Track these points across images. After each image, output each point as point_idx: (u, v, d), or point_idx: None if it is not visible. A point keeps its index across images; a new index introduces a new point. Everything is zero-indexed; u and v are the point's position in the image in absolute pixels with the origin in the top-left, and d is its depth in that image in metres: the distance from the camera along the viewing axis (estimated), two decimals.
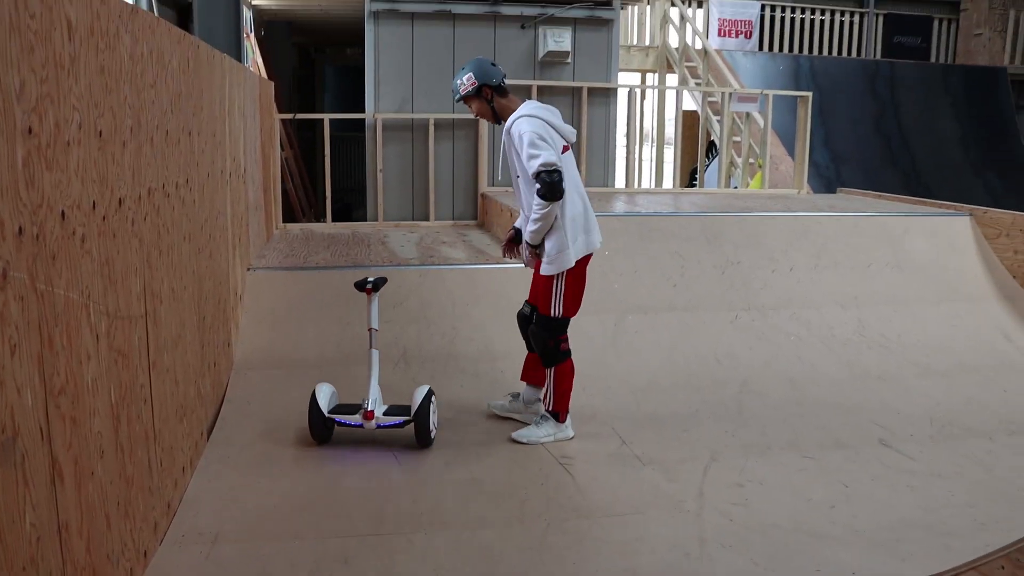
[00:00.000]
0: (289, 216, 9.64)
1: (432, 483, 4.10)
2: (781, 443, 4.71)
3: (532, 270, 4.73)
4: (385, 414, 4.50)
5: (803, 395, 5.49)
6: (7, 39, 2.05)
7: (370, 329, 4.69)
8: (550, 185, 4.29)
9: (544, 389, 4.69)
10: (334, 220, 9.11)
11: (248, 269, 6.32)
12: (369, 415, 4.45)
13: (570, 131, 4.57)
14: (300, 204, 10.36)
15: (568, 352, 4.64)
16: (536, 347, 4.69)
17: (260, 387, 5.20)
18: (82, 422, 2.55)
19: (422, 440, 4.47)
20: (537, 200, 4.34)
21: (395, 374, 5.42)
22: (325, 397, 4.53)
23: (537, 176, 4.30)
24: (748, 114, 10.93)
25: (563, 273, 4.51)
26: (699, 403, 5.29)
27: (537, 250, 4.55)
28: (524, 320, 4.79)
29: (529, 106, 4.52)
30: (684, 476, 4.24)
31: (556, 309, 4.55)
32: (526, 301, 4.75)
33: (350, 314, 6.03)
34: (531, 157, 4.31)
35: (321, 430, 4.51)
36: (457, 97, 4.67)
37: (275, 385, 5.24)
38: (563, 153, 4.47)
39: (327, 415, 4.50)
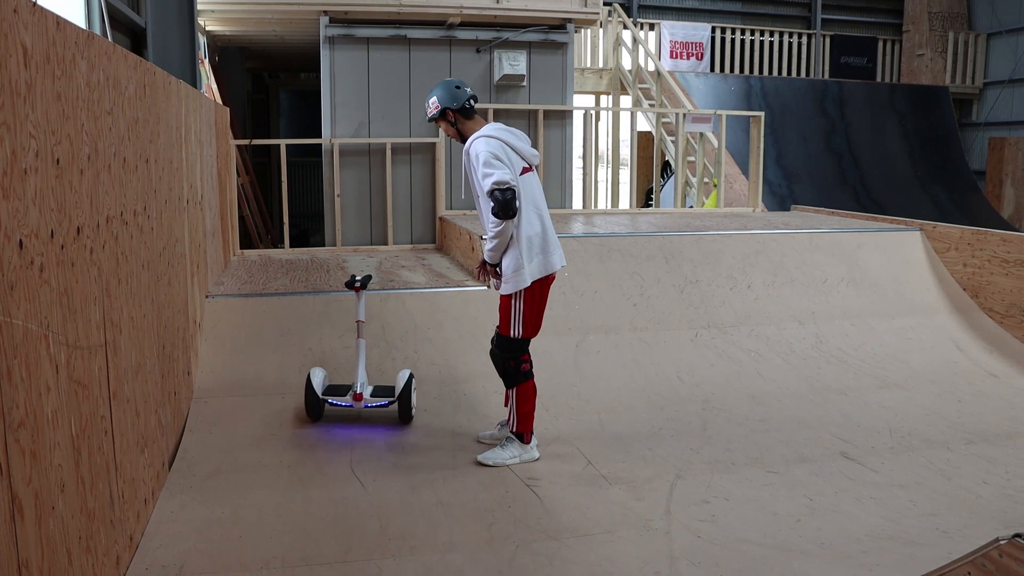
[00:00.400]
0: (246, 242, 9.56)
1: (399, 508, 4.07)
2: (745, 459, 4.74)
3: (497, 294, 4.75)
4: (372, 395, 5.15)
5: (765, 411, 5.54)
6: None
7: (358, 321, 5.24)
8: (503, 203, 4.32)
9: (508, 410, 4.69)
10: (292, 246, 9.05)
11: (207, 296, 6.25)
12: (358, 397, 5.09)
13: (532, 154, 4.62)
14: (257, 230, 10.28)
15: (529, 373, 4.65)
16: (496, 367, 4.70)
17: (221, 415, 5.13)
18: (42, 456, 2.50)
19: (404, 417, 5.16)
20: (491, 218, 4.38)
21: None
22: (319, 379, 5.18)
23: (490, 194, 4.33)
24: (702, 134, 11.07)
25: (521, 292, 4.52)
26: (663, 421, 5.32)
27: (496, 269, 4.57)
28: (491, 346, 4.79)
29: (490, 128, 4.56)
30: (651, 494, 4.25)
31: (516, 329, 4.56)
32: (496, 327, 4.75)
33: (310, 340, 6.00)
34: (484, 176, 4.36)
35: (316, 409, 5.16)
36: (427, 118, 4.78)
37: (236, 412, 5.18)
38: (523, 174, 4.50)
39: (320, 396, 5.13)
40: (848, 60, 17.49)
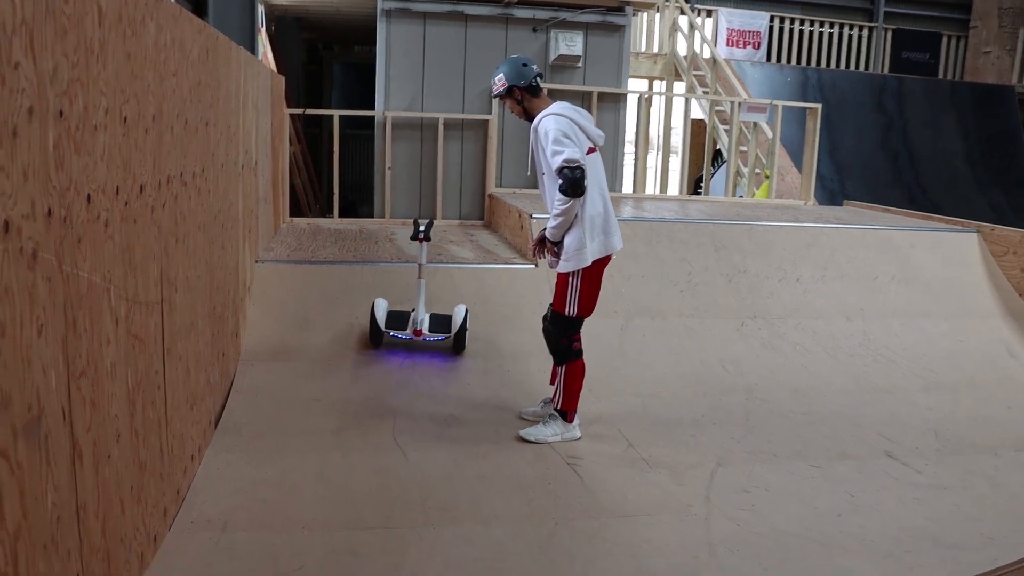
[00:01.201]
0: (296, 210, 9.65)
1: (441, 479, 4.10)
2: (787, 451, 4.71)
3: (548, 272, 4.76)
4: (430, 330, 5.67)
5: (809, 405, 5.49)
6: (43, 21, 2.05)
7: (419, 264, 5.75)
8: (572, 181, 4.31)
9: (555, 387, 4.70)
10: (340, 216, 9.12)
11: (257, 261, 6.32)
12: (418, 333, 5.63)
13: (598, 134, 4.61)
14: (307, 199, 10.36)
15: (580, 352, 4.66)
16: (549, 344, 4.71)
17: (267, 378, 5.20)
18: (101, 405, 2.55)
19: (458, 349, 5.75)
20: (558, 196, 4.37)
21: (401, 372, 5.44)
22: (381, 311, 5.69)
23: (559, 172, 4.32)
24: (756, 124, 10.95)
25: (579, 272, 4.52)
26: (706, 409, 5.29)
27: (556, 247, 4.57)
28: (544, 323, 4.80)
29: (558, 106, 4.55)
30: (691, 480, 4.24)
31: (571, 308, 4.57)
32: (550, 305, 4.75)
33: (356, 308, 6.05)
34: (554, 153, 4.34)
35: (377, 338, 5.71)
36: (492, 95, 4.78)
37: (281, 377, 5.24)
38: (589, 154, 4.49)
39: (383, 329, 5.65)
40: (909, 55, 17.14)
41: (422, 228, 5.76)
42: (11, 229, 1.90)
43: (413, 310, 5.73)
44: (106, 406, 2.60)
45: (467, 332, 5.74)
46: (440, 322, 5.74)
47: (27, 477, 2.01)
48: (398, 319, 5.73)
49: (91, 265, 2.44)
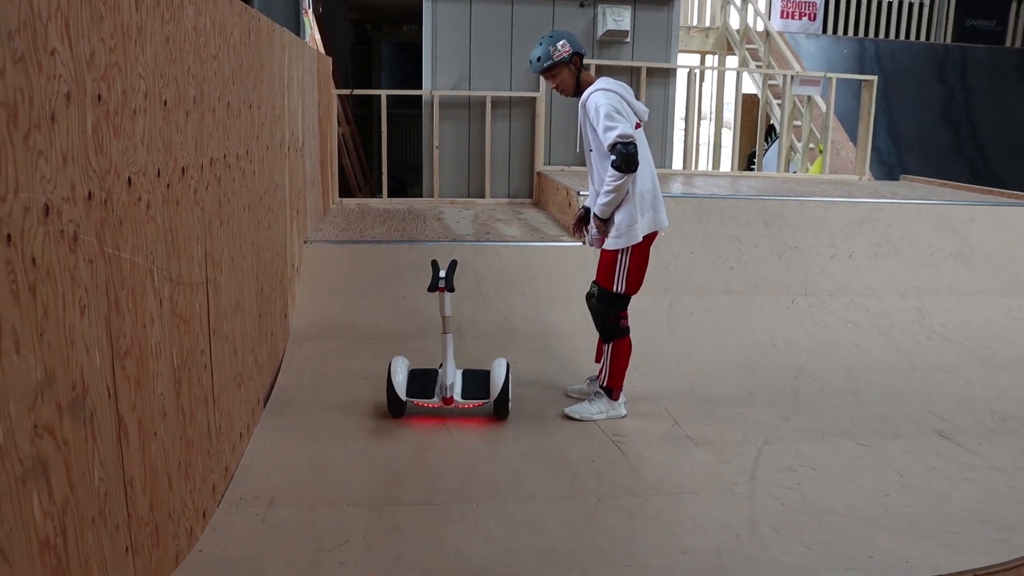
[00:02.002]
0: (345, 191, 9.73)
1: (484, 457, 4.13)
2: (836, 430, 4.65)
3: (593, 249, 4.74)
4: (463, 394, 4.58)
5: (860, 383, 5.41)
6: (79, 7, 2.09)
7: (443, 317, 4.60)
8: (626, 157, 4.28)
9: (601, 365, 4.69)
10: (389, 196, 9.17)
11: (305, 242, 6.39)
12: (448, 401, 4.55)
13: (643, 109, 4.56)
14: (356, 179, 10.44)
15: (627, 329, 4.64)
16: (596, 322, 4.69)
17: (315, 358, 5.27)
18: (146, 384, 2.61)
19: (501, 414, 4.62)
20: (611, 172, 4.33)
21: None
22: (400, 375, 4.56)
23: (613, 148, 4.28)
24: (810, 98, 10.74)
25: (628, 249, 4.50)
26: (754, 386, 5.24)
27: (605, 225, 4.54)
28: (590, 300, 4.77)
29: (605, 81, 4.51)
30: (737, 458, 4.21)
31: (619, 285, 4.55)
32: (593, 282, 4.72)
33: (404, 288, 6.09)
34: (607, 129, 4.30)
35: (398, 408, 4.58)
36: (547, 63, 4.53)
37: (330, 357, 5.31)
38: (635, 129, 4.45)
39: (404, 399, 4.55)
40: (975, 23, 16.61)
41: (442, 275, 4.60)
42: (51, 212, 1.95)
43: (441, 366, 4.64)
44: (151, 385, 2.66)
45: (510, 393, 4.60)
46: (476, 383, 4.67)
47: (73, 453, 2.07)
48: (422, 382, 4.64)
49: (133, 247, 2.49)
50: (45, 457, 1.93)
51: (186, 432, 3.06)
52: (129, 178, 2.44)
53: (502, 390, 4.55)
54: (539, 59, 4.55)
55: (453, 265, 4.70)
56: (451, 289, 4.55)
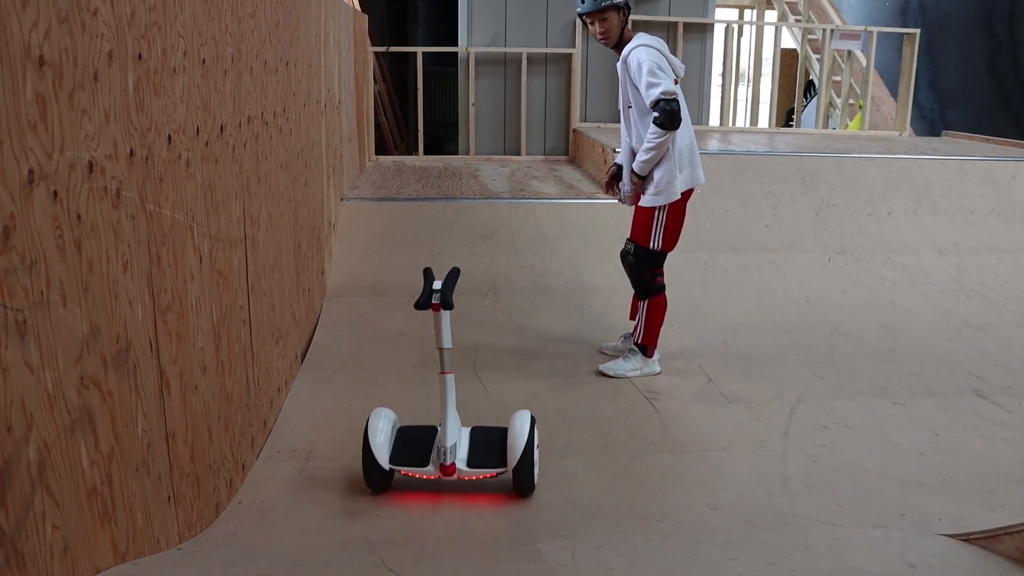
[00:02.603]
0: (381, 148, 9.75)
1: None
2: (871, 388, 4.64)
3: (627, 208, 4.73)
4: (469, 463, 3.33)
5: (896, 341, 5.38)
6: None
7: (440, 349, 3.35)
8: (669, 113, 4.25)
9: (636, 322, 4.71)
10: (425, 153, 9.18)
11: (342, 199, 6.44)
12: (449, 469, 3.28)
13: (680, 66, 4.53)
14: (392, 137, 10.45)
15: (663, 286, 4.65)
16: (631, 279, 4.70)
17: (352, 314, 5.33)
18: (187, 338, 2.67)
19: (523, 489, 3.31)
20: (653, 129, 4.31)
21: (483, 306, 5.50)
22: (381, 436, 3.34)
23: (656, 104, 4.26)
24: (850, 52, 10.55)
25: (666, 206, 4.49)
26: (788, 344, 5.24)
27: (643, 182, 4.52)
28: (626, 257, 4.76)
29: (644, 37, 4.46)
30: (770, 416, 4.22)
31: (656, 242, 4.55)
32: (628, 239, 4.72)
33: (440, 244, 6.13)
34: (650, 85, 4.27)
35: (378, 481, 3.33)
36: (604, 3, 4.41)
37: (366, 313, 5.37)
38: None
39: (387, 467, 3.32)
40: None
41: (437, 286, 3.31)
42: (95, 169, 1.99)
43: (440, 426, 3.36)
44: (192, 339, 2.72)
45: (536, 458, 3.35)
46: (488, 445, 3.39)
47: (117, 404, 2.13)
48: (414, 445, 3.40)
49: (173, 203, 2.53)
50: (91, 408, 1.99)
51: (225, 386, 3.12)
52: (169, 136, 2.48)
53: (524, 455, 3.26)
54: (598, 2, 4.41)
55: (454, 275, 3.43)
56: (448, 307, 3.27)
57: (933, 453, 3.88)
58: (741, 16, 13.73)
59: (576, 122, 9.16)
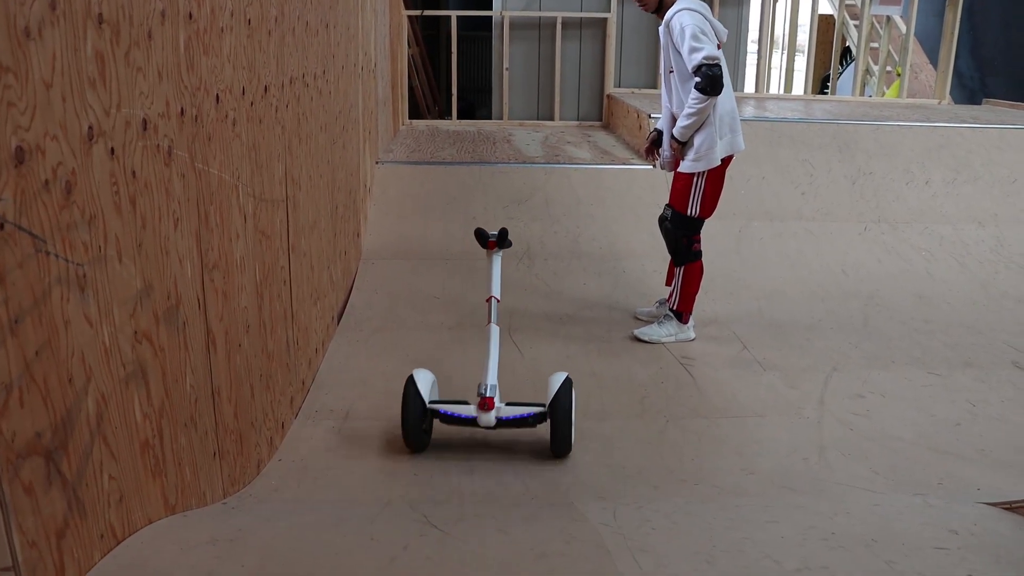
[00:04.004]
0: (415, 112, 9.73)
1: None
2: (906, 358, 4.62)
3: (663, 173, 4.71)
4: (508, 404, 3.40)
5: (932, 312, 5.34)
6: None
7: (490, 298, 3.68)
8: (711, 79, 4.22)
9: (671, 288, 4.71)
10: (459, 118, 9.16)
11: (376, 162, 6.45)
12: (488, 403, 3.32)
13: (723, 30, 4.48)
14: (425, 101, 10.43)
15: (699, 253, 4.65)
16: (668, 244, 4.70)
17: (387, 277, 5.36)
18: (232, 296, 2.70)
19: (559, 446, 3.32)
20: (695, 94, 4.28)
21: (518, 271, 5.50)
22: (424, 386, 3.38)
23: (698, 69, 4.23)
24: (888, 18, 10.37)
25: (704, 172, 4.48)
26: (823, 313, 5.21)
27: (683, 148, 4.50)
28: (663, 223, 4.75)
29: (687, 0, 4.41)
30: (805, 384, 4.22)
31: (693, 208, 4.54)
32: (667, 204, 4.71)
33: (474, 208, 6.14)
34: (693, 50, 4.23)
35: (416, 433, 3.34)
36: None
37: (401, 276, 5.40)
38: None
39: (428, 406, 3.36)
40: None
41: (492, 233, 3.75)
42: (148, 127, 2.02)
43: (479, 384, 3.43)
44: (236, 298, 2.75)
45: (574, 414, 3.36)
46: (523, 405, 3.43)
47: (168, 360, 2.17)
48: (451, 401, 3.47)
49: (220, 163, 2.55)
50: (144, 362, 2.03)
51: (267, 345, 3.16)
52: (217, 95, 2.50)
53: (560, 395, 3.30)
54: None
55: (505, 231, 3.79)
56: (504, 245, 3.71)
57: (970, 424, 3.87)
58: None
59: (610, 87, 9.09)
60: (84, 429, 1.73)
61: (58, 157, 1.60)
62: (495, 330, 3.59)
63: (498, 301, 3.64)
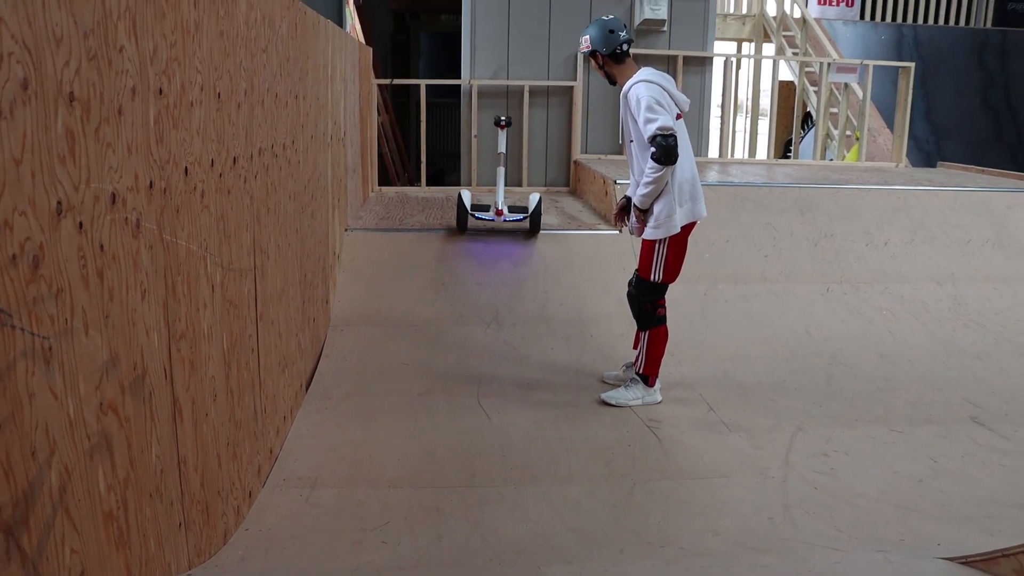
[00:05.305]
0: (384, 179, 9.84)
1: (523, 440, 4.22)
2: (869, 416, 4.69)
3: (631, 238, 4.80)
4: (509, 211, 6.61)
5: (894, 370, 5.43)
6: (144, 5, 2.20)
7: (499, 152, 6.88)
8: (665, 149, 4.33)
9: (637, 351, 4.77)
10: (428, 184, 9.27)
11: (346, 229, 6.51)
12: (499, 213, 6.57)
13: (684, 100, 4.61)
14: (395, 168, 10.55)
15: (664, 318, 4.72)
16: (632, 309, 4.77)
17: (356, 343, 5.38)
18: (199, 366, 2.72)
19: (534, 230, 6.63)
20: (651, 164, 4.39)
21: (486, 336, 5.56)
22: (467, 198, 6.64)
23: (652, 140, 4.34)
24: (846, 85, 10.68)
25: (666, 239, 4.56)
26: (787, 373, 5.29)
27: (645, 215, 4.60)
28: (629, 288, 4.84)
29: (646, 72, 4.56)
30: (770, 444, 4.27)
31: (656, 274, 4.62)
32: (635, 271, 4.80)
33: (443, 275, 6.19)
34: (647, 121, 4.35)
35: (464, 221, 6.60)
36: (582, 52, 4.78)
37: (370, 342, 5.42)
38: (676, 120, 4.50)
39: (469, 212, 6.55)
40: (1016, 6, 16.31)
41: (503, 117, 6.87)
42: (117, 200, 2.06)
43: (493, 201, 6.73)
44: (203, 367, 2.77)
45: (541, 214, 6.60)
46: (517, 207, 6.80)
47: (133, 430, 2.18)
48: (481, 205, 6.81)
49: (188, 234, 2.60)
50: (109, 433, 2.04)
51: (234, 413, 3.17)
52: (186, 168, 2.55)
53: (535, 209, 6.54)
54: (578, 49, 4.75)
55: (510, 118, 7.13)
56: (509, 124, 6.90)
57: (932, 479, 3.93)
58: (739, 49, 13.89)
59: (577, 154, 9.26)
60: (46, 502, 1.74)
61: (26, 232, 1.64)
62: (501, 171, 6.92)
63: (503, 154, 6.94)
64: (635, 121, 4.46)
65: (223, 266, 2.99)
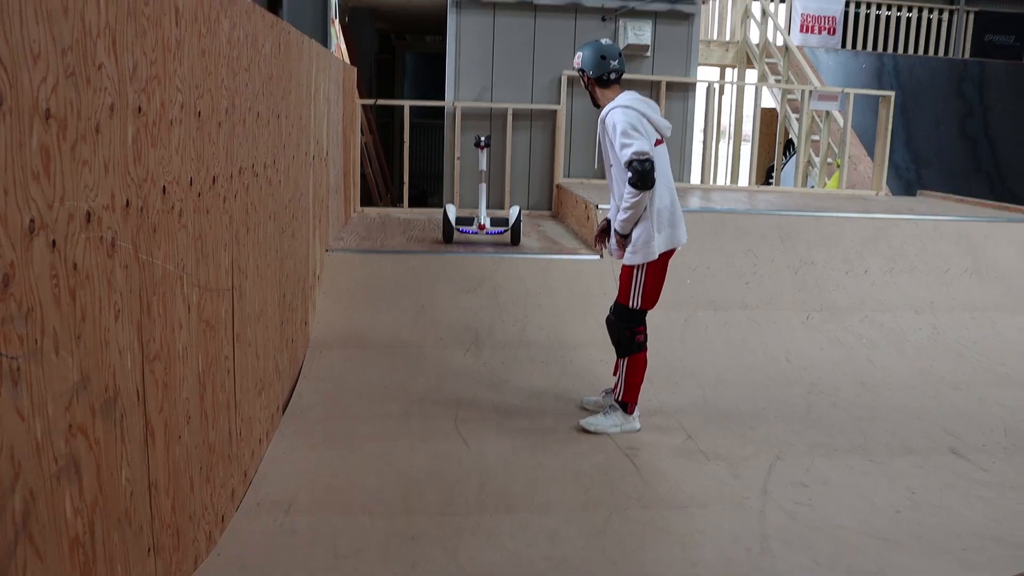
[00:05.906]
0: (367, 200, 9.81)
1: (500, 467, 4.18)
2: (848, 445, 4.68)
3: (612, 263, 4.79)
4: (492, 225, 7.28)
5: (873, 399, 5.43)
6: (125, 23, 2.17)
7: (481, 171, 7.41)
8: (641, 174, 4.33)
9: (616, 378, 4.74)
10: (410, 206, 9.25)
11: (327, 250, 6.48)
12: (482, 227, 7.22)
13: (665, 125, 4.61)
14: (377, 188, 10.53)
15: (643, 345, 4.69)
16: (611, 336, 4.75)
17: (335, 366, 5.34)
18: (173, 387, 2.68)
19: (515, 241, 7.16)
20: (628, 189, 4.39)
21: (465, 360, 5.52)
22: (452, 213, 7.15)
23: (629, 164, 4.34)
24: (828, 113, 10.76)
25: (644, 265, 4.55)
26: (767, 401, 5.28)
27: (625, 240, 4.60)
28: (608, 315, 4.82)
29: (626, 97, 4.56)
30: (748, 473, 4.25)
31: (635, 300, 4.60)
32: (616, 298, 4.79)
33: (423, 297, 6.16)
34: (623, 146, 4.35)
35: (449, 235, 7.12)
36: (574, 68, 4.80)
37: (349, 364, 5.38)
38: (656, 146, 4.50)
39: (454, 226, 7.11)
40: (993, 38, 16.56)
41: (483, 137, 7.38)
42: (92, 219, 2.03)
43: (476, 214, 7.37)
44: (177, 389, 2.73)
45: (521, 226, 7.21)
46: (499, 220, 7.39)
47: (104, 453, 2.14)
48: (465, 219, 7.33)
49: (165, 253, 2.56)
50: (78, 456, 2.00)
51: (208, 436, 3.13)
52: (164, 187, 2.52)
53: (515, 222, 7.10)
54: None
55: (489, 137, 7.59)
56: (488, 146, 7.41)
57: (910, 511, 3.92)
58: (722, 75, 13.99)
59: (560, 178, 9.27)
60: (8, 528, 1.70)
61: None
62: (483, 187, 7.45)
63: (484, 172, 7.44)
64: (613, 146, 4.46)
65: (200, 286, 2.95)
